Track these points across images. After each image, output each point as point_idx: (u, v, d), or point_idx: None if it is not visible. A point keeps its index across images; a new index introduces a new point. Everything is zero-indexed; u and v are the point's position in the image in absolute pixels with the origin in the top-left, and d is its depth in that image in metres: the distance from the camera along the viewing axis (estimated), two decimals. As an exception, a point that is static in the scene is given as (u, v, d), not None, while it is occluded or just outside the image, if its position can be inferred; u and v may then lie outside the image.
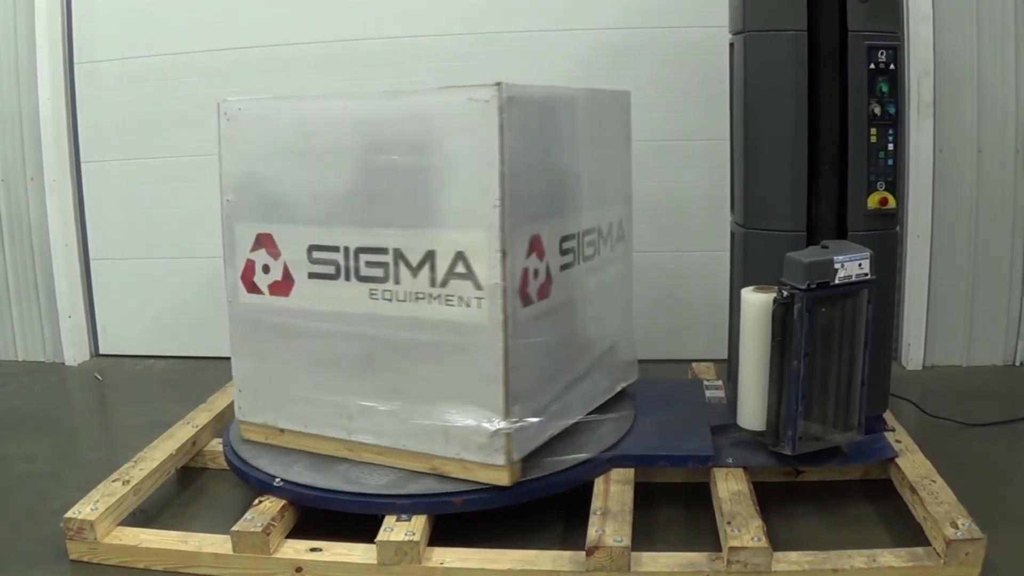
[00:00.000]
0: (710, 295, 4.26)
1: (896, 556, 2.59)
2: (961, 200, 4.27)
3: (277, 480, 2.91)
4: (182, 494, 3.29)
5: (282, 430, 3.16)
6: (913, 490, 2.83)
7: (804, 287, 2.78)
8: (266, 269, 3.08)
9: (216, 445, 3.45)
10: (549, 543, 2.79)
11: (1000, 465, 3.34)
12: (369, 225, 2.87)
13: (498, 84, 2.62)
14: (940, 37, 4.13)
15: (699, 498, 2.99)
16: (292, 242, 3.02)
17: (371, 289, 2.89)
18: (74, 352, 4.85)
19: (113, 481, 3.02)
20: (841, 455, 3.02)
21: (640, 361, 4.13)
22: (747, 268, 3.22)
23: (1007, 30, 4.14)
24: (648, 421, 3.27)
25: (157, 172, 4.70)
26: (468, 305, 2.74)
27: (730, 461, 3.02)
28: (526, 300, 2.78)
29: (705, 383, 3.68)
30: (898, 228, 3.23)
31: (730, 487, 2.87)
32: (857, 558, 2.57)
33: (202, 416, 3.59)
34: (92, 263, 4.88)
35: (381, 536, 2.65)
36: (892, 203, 3.10)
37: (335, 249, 2.93)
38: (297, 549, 2.73)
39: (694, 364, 4.14)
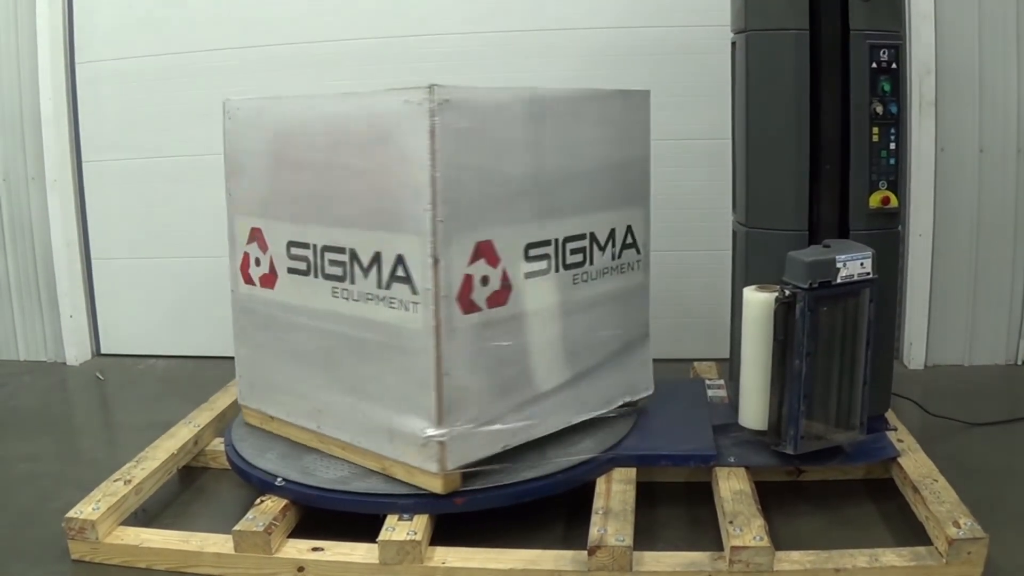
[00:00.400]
0: (712, 294, 4.26)
1: (898, 555, 2.58)
2: (963, 199, 4.27)
3: (279, 480, 2.91)
4: (184, 494, 3.29)
5: (271, 417, 3.28)
6: (915, 489, 2.83)
7: (806, 286, 2.77)
8: (257, 262, 3.20)
9: (218, 444, 3.45)
10: (551, 543, 2.79)
11: (1002, 464, 3.34)
12: (332, 225, 2.94)
13: (430, 86, 2.58)
14: (942, 36, 4.13)
15: (701, 497, 2.99)
16: (276, 237, 3.13)
17: (333, 287, 2.95)
18: (75, 352, 4.85)
19: (115, 481, 3.02)
20: (843, 454, 3.02)
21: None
22: (749, 267, 3.22)
23: (1009, 29, 4.14)
24: (650, 420, 3.27)
25: (158, 171, 4.70)
26: (407, 309, 2.74)
27: (732, 460, 3.02)
28: (468, 307, 2.74)
29: (707, 382, 3.68)
30: (900, 227, 3.23)
31: (732, 486, 2.87)
32: (859, 557, 2.57)
33: (203, 415, 3.59)
34: (93, 262, 4.88)
35: (383, 536, 2.65)
36: (894, 202, 3.10)
37: (306, 246, 3.02)
38: (299, 549, 2.73)
39: (696, 363, 4.13)
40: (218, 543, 2.76)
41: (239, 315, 3.35)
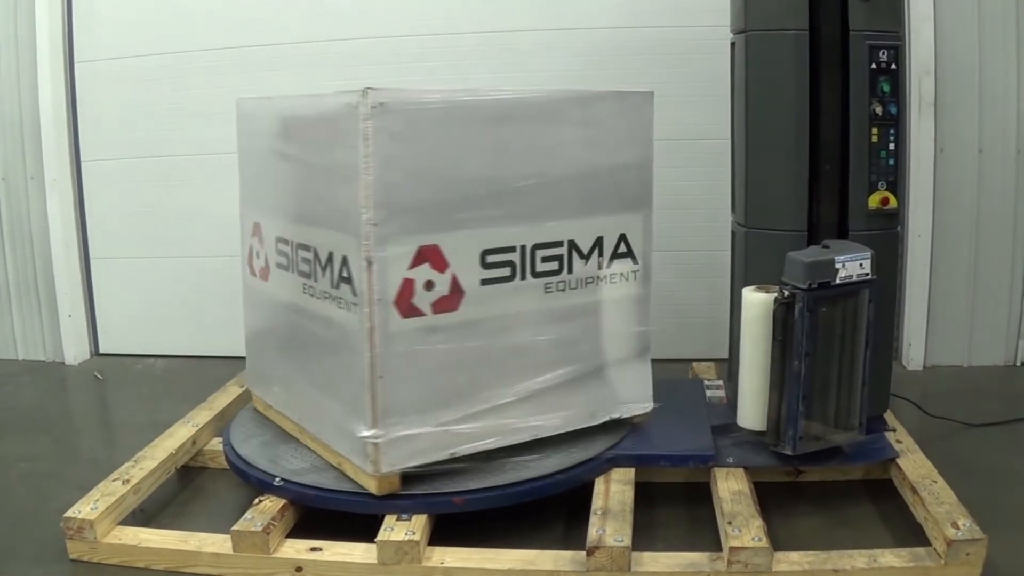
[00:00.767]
0: (711, 294, 4.26)
1: (897, 556, 2.58)
2: (962, 200, 4.27)
3: (277, 480, 2.91)
4: (182, 493, 3.29)
5: (268, 405, 3.40)
6: (914, 490, 2.83)
7: (805, 287, 2.77)
8: (257, 255, 3.32)
9: (216, 444, 3.45)
10: (550, 543, 2.79)
11: (1001, 465, 3.33)
12: (303, 223, 3.02)
13: (366, 89, 2.58)
14: (941, 37, 4.13)
15: (700, 498, 2.99)
16: (269, 232, 3.25)
17: (303, 283, 3.03)
18: (74, 351, 4.85)
19: (113, 480, 3.02)
20: (842, 455, 3.02)
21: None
22: (748, 268, 3.22)
23: (1008, 30, 4.14)
24: (649, 421, 3.27)
25: (157, 171, 4.69)
26: (349, 310, 2.77)
27: (731, 461, 3.02)
28: (409, 311, 2.73)
29: (706, 383, 3.68)
30: (899, 228, 3.24)
31: (731, 487, 2.87)
32: (858, 558, 2.57)
33: (202, 415, 3.58)
34: (92, 262, 4.88)
35: (381, 536, 2.65)
36: (893, 203, 3.10)
37: (287, 242, 3.12)
38: (297, 548, 2.73)
39: (695, 363, 4.13)
40: (216, 543, 2.76)
41: (246, 304, 3.53)
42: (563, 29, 4.33)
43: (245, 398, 3.82)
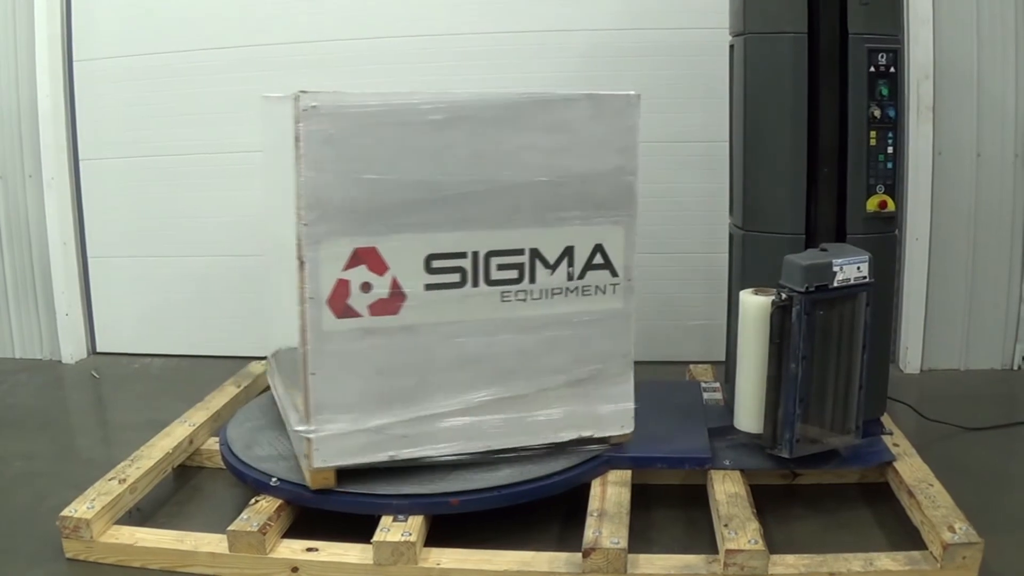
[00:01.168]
0: (708, 297, 4.27)
1: (893, 560, 2.59)
2: (960, 203, 4.27)
3: (274, 480, 2.91)
4: (179, 493, 3.29)
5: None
6: (910, 494, 2.83)
7: (802, 290, 2.77)
8: None
9: (213, 444, 3.45)
10: (546, 544, 2.79)
11: (998, 469, 3.34)
12: (277, 218, 3.10)
13: (299, 93, 2.61)
14: (940, 40, 4.13)
15: (696, 500, 2.99)
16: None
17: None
18: (71, 350, 4.84)
19: (109, 480, 3.01)
20: (838, 458, 3.02)
21: (638, 362, 4.13)
22: (746, 270, 3.22)
23: (1007, 34, 4.14)
24: (645, 423, 3.26)
25: (155, 170, 4.69)
26: (298, 305, 2.77)
27: (727, 463, 3.02)
28: (343, 312, 2.75)
29: (703, 385, 3.68)
30: (897, 231, 3.24)
31: (727, 489, 2.87)
32: (854, 561, 2.57)
33: (199, 415, 3.58)
34: (90, 261, 4.87)
35: (377, 536, 2.65)
36: (891, 206, 3.10)
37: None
38: (293, 549, 2.73)
39: (692, 366, 4.14)
40: (212, 543, 2.76)
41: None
42: (563, 31, 4.33)
43: (242, 398, 3.83)
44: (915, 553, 2.62)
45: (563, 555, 2.66)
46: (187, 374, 4.56)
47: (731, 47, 3.32)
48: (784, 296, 2.82)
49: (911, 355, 4.37)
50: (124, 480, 3.01)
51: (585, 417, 3.05)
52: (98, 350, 4.97)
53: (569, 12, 4.33)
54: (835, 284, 2.81)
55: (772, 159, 3.13)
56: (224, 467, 3.19)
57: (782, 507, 3.00)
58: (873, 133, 3.07)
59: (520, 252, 2.89)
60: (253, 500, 2.87)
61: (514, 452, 2.98)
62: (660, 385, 3.77)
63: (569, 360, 3.00)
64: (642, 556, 2.65)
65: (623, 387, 3.09)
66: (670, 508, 3.05)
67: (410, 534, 2.65)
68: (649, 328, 4.43)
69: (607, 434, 3.08)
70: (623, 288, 3.04)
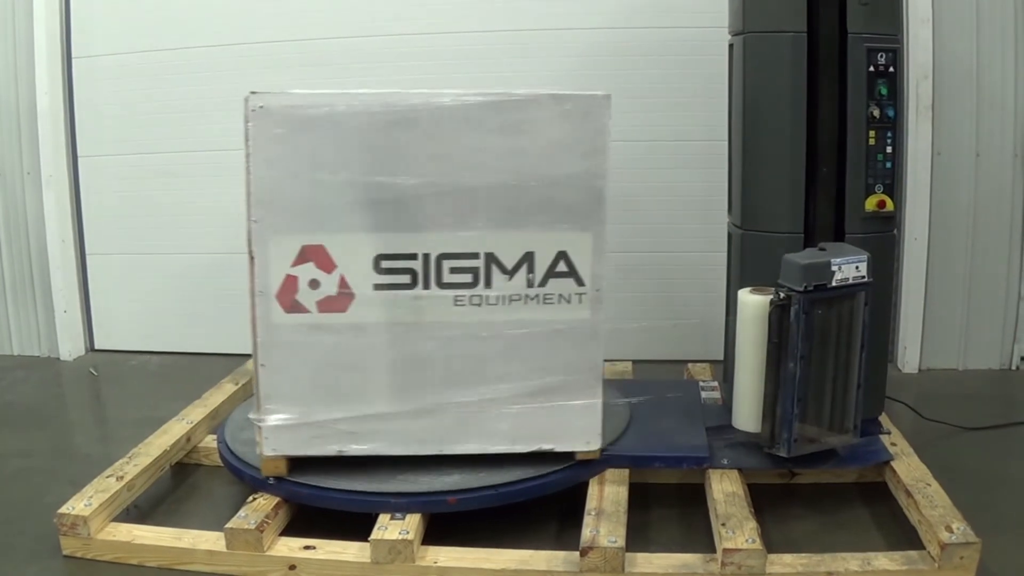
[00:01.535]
0: (707, 296, 4.26)
1: (890, 559, 2.59)
2: (959, 203, 4.27)
3: (271, 478, 2.91)
4: (176, 490, 3.29)
5: None
6: (908, 493, 2.83)
7: (801, 289, 2.77)
8: None
9: (211, 441, 3.44)
10: (543, 543, 2.79)
11: (995, 469, 3.34)
12: None
13: (249, 94, 2.66)
14: (939, 40, 4.13)
15: (694, 499, 2.99)
16: None
17: None
18: (69, 347, 4.84)
19: (107, 477, 3.01)
20: (836, 458, 3.02)
21: (636, 361, 4.15)
22: (744, 269, 3.22)
23: (1006, 33, 4.14)
24: (643, 422, 3.27)
25: (154, 167, 4.68)
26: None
27: (725, 462, 3.02)
28: (291, 307, 2.80)
29: (701, 384, 3.68)
30: (896, 231, 3.23)
31: (725, 488, 2.87)
32: (851, 561, 2.57)
33: (197, 412, 3.58)
34: (88, 258, 4.87)
35: (375, 535, 2.65)
36: (890, 206, 3.10)
37: None
38: (291, 547, 2.73)
39: (690, 365, 4.13)
40: (210, 540, 2.76)
41: None
42: (561, 29, 4.33)
43: (240, 395, 3.82)
44: (913, 553, 2.62)
45: (561, 554, 2.66)
46: (185, 371, 4.56)
47: (730, 46, 3.31)
48: (783, 295, 2.82)
49: (909, 355, 4.37)
50: (122, 477, 3.01)
51: (546, 429, 2.94)
52: (96, 347, 4.97)
53: (567, 11, 4.33)
54: (834, 283, 2.81)
55: (771, 158, 3.13)
56: (222, 465, 3.19)
57: (780, 506, 3.00)
58: (872, 132, 3.06)
59: (475, 256, 2.83)
60: (251, 498, 2.87)
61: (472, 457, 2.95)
62: (658, 384, 3.77)
63: (529, 369, 2.90)
64: (640, 555, 2.65)
65: (589, 401, 2.94)
66: (668, 507, 3.05)
67: (408, 532, 2.65)
68: (648, 326, 4.45)
69: (570, 449, 2.96)
70: (590, 298, 2.88)
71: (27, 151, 4.71)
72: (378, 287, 2.81)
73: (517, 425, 2.93)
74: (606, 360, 4.06)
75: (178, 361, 4.76)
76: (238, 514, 2.76)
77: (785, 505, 3.02)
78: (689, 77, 4.27)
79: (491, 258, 2.83)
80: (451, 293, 2.84)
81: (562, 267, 2.85)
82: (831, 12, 3.04)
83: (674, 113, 4.30)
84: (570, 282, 2.86)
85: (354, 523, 2.74)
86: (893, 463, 3.03)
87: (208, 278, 4.70)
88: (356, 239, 2.79)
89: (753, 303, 2.95)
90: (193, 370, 4.51)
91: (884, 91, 3.05)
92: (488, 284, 2.84)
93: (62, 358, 4.84)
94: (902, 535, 2.79)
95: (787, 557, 2.61)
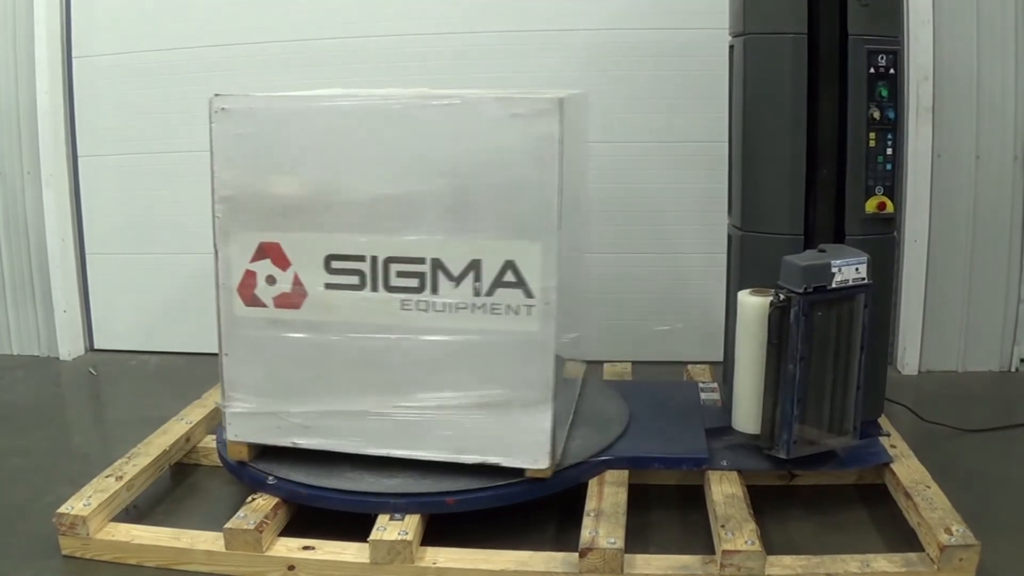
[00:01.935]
0: (706, 297, 4.26)
1: (890, 561, 2.59)
2: (959, 205, 4.27)
3: (270, 478, 2.91)
4: (175, 490, 3.29)
5: None
6: (907, 495, 2.83)
7: (801, 291, 2.77)
8: None
9: (210, 442, 3.44)
10: (542, 544, 2.79)
11: (995, 471, 3.34)
12: None
13: (213, 96, 2.79)
14: (940, 42, 4.13)
15: (693, 501, 2.99)
16: None
17: None
18: (69, 347, 4.83)
19: (106, 477, 3.01)
20: (836, 459, 3.02)
21: (636, 362, 4.15)
22: (744, 271, 3.21)
23: (1007, 36, 4.14)
24: (643, 423, 3.27)
25: (154, 167, 4.68)
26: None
27: (724, 464, 3.01)
28: (250, 301, 2.90)
29: (700, 385, 3.68)
30: (896, 233, 3.23)
31: (724, 490, 2.87)
32: (851, 563, 2.57)
33: (196, 412, 3.58)
34: (88, 258, 4.87)
35: (374, 535, 2.65)
36: (890, 208, 3.10)
37: None
38: (290, 547, 2.73)
39: (689, 366, 4.13)
40: (209, 540, 2.76)
41: None
42: (564, 30, 4.32)
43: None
44: (912, 555, 2.62)
45: (560, 555, 2.66)
46: (184, 371, 4.55)
47: (731, 48, 3.31)
48: (782, 297, 2.82)
49: (909, 356, 4.37)
50: (121, 477, 3.01)
51: (492, 442, 2.86)
52: (96, 347, 4.96)
53: (569, 12, 4.33)
54: (833, 285, 2.81)
55: (771, 160, 3.13)
56: (221, 465, 3.19)
57: (779, 508, 3.00)
58: (872, 134, 3.06)
59: (421, 261, 2.80)
60: (250, 498, 2.87)
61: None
62: (658, 385, 3.77)
63: (475, 380, 2.84)
64: (639, 556, 2.65)
65: (538, 417, 2.81)
66: (667, 508, 3.05)
67: (407, 533, 2.65)
68: (647, 328, 4.46)
69: (518, 465, 2.85)
70: (540, 311, 2.75)
71: (27, 150, 4.71)
72: (329, 287, 2.86)
73: (463, 435, 2.87)
74: (605, 361, 4.12)
75: (177, 361, 4.76)
76: (237, 514, 2.76)
77: (784, 507, 3.02)
78: (689, 78, 4.26)
79: (437, 264, 2.79)
80: (398, 297, 2.83)
81: (510, 277, 2.75)
82: (832, 14, 3.04)
83: (674, 114, 4.30)
84: (518, 293, 2.75)
85: (353, 524, 2.74)
86: (893, 465, 3.03)
87: (208, 278, 4.59)
88: (309, 238, 2.84)
89: (753, 304, 2.95)
90: (192, 370, 4.50)
91: (884, 93, 3.05)
92: (435, 290, 2.81)
93: (61, 358, 4.83)
94: (901, 537, 2.79)
95: (786, 559, 2.61)
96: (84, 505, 2.82)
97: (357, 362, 2.89)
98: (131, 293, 4.86)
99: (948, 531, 2.58)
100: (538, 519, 2.95)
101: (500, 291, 2.76)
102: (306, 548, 2.71)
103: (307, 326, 2.88)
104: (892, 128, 3.07)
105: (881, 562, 2.58)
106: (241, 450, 3.01)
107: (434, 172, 2.75)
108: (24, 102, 4.66)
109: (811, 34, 3.04)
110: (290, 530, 2.84)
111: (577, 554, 2.59)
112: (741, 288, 3.09)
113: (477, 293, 2.78)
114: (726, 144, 3.42)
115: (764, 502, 2.95)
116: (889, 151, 3.08)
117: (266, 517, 2.75)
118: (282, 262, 2.86)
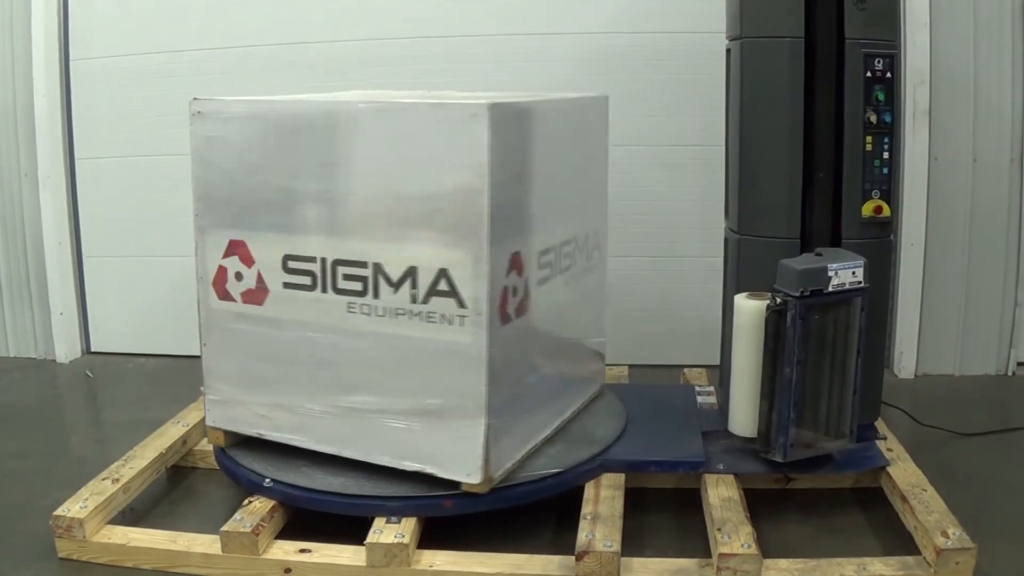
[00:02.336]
0: (703, 301, 4.26)
1: (886, 564, 2.59)
2: (956, 209, 4.27)
3: (267, 480, 2.90)
4: (172, 493, 3.29)
5: None
6: (904, 499, 2.84)
7: (797, 294, 2.78)
8: None
9: (206, 444, 3.43)
10: (539, 547, 2.79)
11: (991, 475, 3.34)
12: None
13: (192, 100, 2.95)
14: (937, 45, 4.13)
15: (690, 504, 2.99)
16: None
17: None
18: (65, 349, 4.83)
19: (103, 479, 3.01)
20: (832, 463, 3.03)
21: (632, 366, 4.15)
22: (740, 274, 3.22)
23: (1004, 39, 4.15)
24: (639, 426, 3.27)
25: (151, 170, 4.68)
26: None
27: (721, 467, 3.02)
28: (223, 295, 3.03)
29: (697, 389, 3.68)
30: (892, 236, 3.24)
31: (721, 493, 2.87)
32: (847, 566, 2.57)
33: (193, 415, 3.58)
34: (85, 260, 4.86)
35: (370, 538, 2.65)
36: (887, 211, 3.10)
37: None
38: (286, 550, 2.73)
39: (686, 370, 4.13)
40: (205, 543, 2.76)
41: None
42: (558, 34, 4.33)
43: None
44: (908, 558, 2.62)
45: (556, 558, 2.66)
46: (181, 374, 4.54)
47: (728, 51, 3.32)
48: (779, 300, 2.82)
49: (906, 360, 4.37)
50: (117, 480, 3.01)
51: (429, 452, 2.83)
52: (92, 349, 4.96)
53: (564, 15, 4.33)
54: (830, 289, 2.81)
55: (768, 163, 3.13)
56: (218, 468, 3.19)
57: (776, 511, 3.00)
58: (869, 138, 3.07)
59: (364, 265, 2.81)
60: (246, 501, 2.87)
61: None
62: (654, 388, 3.77)
63: (412, 386, 2.82)
64: (635, 560, 2.65)
65: (470, 431, 2.75)
66: (664, 512, 3.05)
67: (403, 536, 2.65)
68: (643, 331, 4.45)
69: (452, 477, 2.80)
70: (472, 322, 2.69)
71: (24, 153, 4.71)
72: (287, 286, 2.94)
73: (404, 441, 2.85)
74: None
75: (174, 364, 4.75)
76: (233, 517, 2.76)
77: (781, 510, 3.02)
78: (687, 82, 4.27)
79: (378, 269, 2.79)
80: (344, 299, 2.87)
81: (444, 286, 2.72)
82: (828, 17, 3.04)
83: (671, 118, 4.30)
84: (451, 302, 2.71)
85: (350, 526, 2.74)
86: (889, 468, 3.03)
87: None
88: (269, 238, 2.94)
89: (749, 308, 2.96)
90: (189, 373, 4.47)
91: (881, 96, 3.05)
92: (376, 295, 2.81)
93: (58, 360, 4.83)
94: (898, 540, 2.79)
95: (783, 562, 2.61)
96: (80, 507, 2.81)
97: (311, 361, 2.96)
98: (128, 295, 4.86)
99: (944, 534, 2.59)
100: (535, 522, 2.95)
101: (435, 299, 2.74)
102: (303, 551, 2.71)
103: (268, 322, 2.98)
104: (889, 132, 3.08)
105: (878, 565, 2.58)
106: (218, 436, 3.14)
107: (375, 177, 2.78)
108: (21, 104, 4.66)
109: (808, 38, 3.05)
110: (287, 533, 2.84)
111: (574, 557, 2.58)
112: (738, 292, 3.09)
113: (414, 300, 2.76)
114: (723, 148, 3.43)
115: (761, 505, 2.95)
116: (886, 155, 3.08)
117: (262, 520, 2.75)
118: (248, 260, 2.97)
